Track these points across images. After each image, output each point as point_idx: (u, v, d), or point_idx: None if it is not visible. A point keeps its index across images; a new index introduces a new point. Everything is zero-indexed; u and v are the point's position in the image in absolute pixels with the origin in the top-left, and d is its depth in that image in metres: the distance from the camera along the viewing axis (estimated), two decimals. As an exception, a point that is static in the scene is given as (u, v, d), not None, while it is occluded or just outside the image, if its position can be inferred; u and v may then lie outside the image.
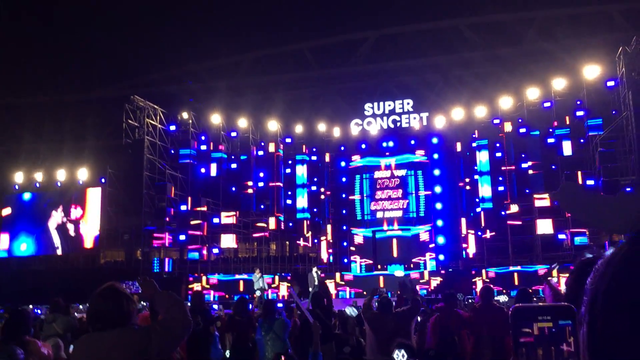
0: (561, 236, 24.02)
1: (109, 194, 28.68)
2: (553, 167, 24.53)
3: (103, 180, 29.18)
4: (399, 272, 23.74)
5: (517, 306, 0.90)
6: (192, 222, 27.22)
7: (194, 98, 32.29)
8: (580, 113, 24.10)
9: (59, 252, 29.57)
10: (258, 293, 20.00)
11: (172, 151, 29.23)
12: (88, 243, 28.88)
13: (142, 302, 9.24)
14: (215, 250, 28.01)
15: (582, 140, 24.07)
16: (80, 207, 29.26)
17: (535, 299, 14.18)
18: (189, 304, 9.33)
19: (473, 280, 23.02)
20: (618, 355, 0.55)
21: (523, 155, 25.04)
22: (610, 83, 23.44)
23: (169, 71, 36.54)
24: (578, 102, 24.34)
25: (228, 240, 27.03)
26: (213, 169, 28.62)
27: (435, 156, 27.02)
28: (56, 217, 29.61)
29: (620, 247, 0.63)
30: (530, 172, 24.38)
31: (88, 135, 33.40)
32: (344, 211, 27.99)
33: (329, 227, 28.21)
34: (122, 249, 28.75)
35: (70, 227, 29.26)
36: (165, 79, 36.14)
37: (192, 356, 8.63)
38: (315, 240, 28.45)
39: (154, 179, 27.70)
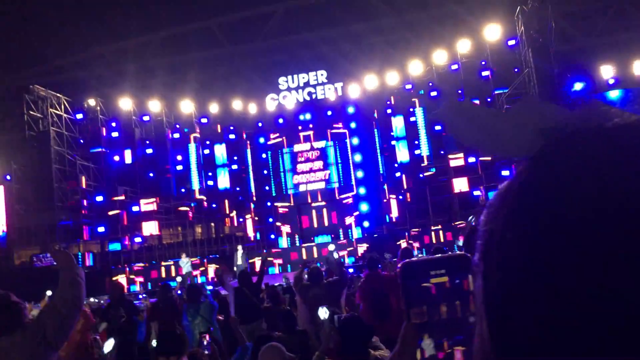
0: (476, 192, 25.04)
1: (16, 191, 27.05)
2: (464, 127, 25.38)
3: (8, 177, 27.46)
4: (331, 245, 23.97)
5: (406, 261, 0.79)
6: (110, 213, 26.24)
7: (100, 83, 30.79)
8: (485, 73, 25.01)
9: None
10: (179, 279, 19.64)
11: (82, 141, 27.88)
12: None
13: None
14: (138, 239, 27.18)
15: (489, 99, 25.02)
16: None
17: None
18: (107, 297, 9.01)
19: (397, 243, 23.64)
20: (517, 310, 0.45)
21: (436, 118, 25.74)
22: (511, 42, 24.43)
23: (72, 57, 34.53)
24: (483, 63, 25.23)
25: (150, 228, 26.29)
26: (128, 156, 27.59)
27: (353, 125, 27.30)
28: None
29: (515, 176, 0.50)
30: (443, 133, 25.14)
31: (-12, 130, 31.21)
32: (267, 187, 27.85)
33: (252, 204, 28.01)
34: (37, 247, 27.31)
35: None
36: (68, 65, 34.17)
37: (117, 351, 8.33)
38: (241, 219, 28.21)
39: (65, 171, 26.39)
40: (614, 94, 22.48)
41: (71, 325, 3.29)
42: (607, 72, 23.82)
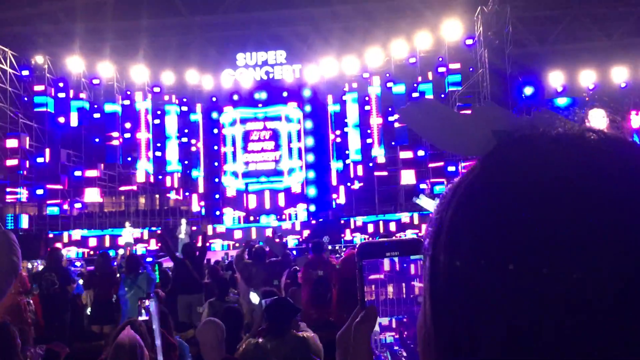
0: (422, 186, 25.52)
1: (-49, 146, 25.77)
2: (416, 120, 25.76)
3: (-57, 130, 26.12)
4: (269, 227, 24.01)
5: (364, 242, 0.86)
6: (51, 176, 25.37)
7: (47, 41, 29.51)
8: (441, 69, 25.40)
9: None
10: (121, 251, 19.29)
11: (26, 98, 26.76)
12: None
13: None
14: (78, 205, 26.45)
15: (442, 96, 25.45)
16: None
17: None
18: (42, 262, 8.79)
19: (342, 229, 23.91)
20: (457, 294, 0.51)
21: (390, 109, 26.04)
22: (469, 41, 24.90)
23: (21, 10, 32.94)
24: (440, 59, 25.62)
25: (92, 195, 25.60)
26: (74, 119, 26.68)
27: (308, 109, 27.30)
28: None
29: (468, 172, 0.56)
30: (396, 125, 25.46)
31: None
32: (216, 163, 27.58)
33: (200, 179, 27.67)
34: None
35: None
36: (14, 19, 32.58)
37: (47, 318, 8.18)
38: (187, 193, 27.85)
39: (6, 129, 25.32)
40: (562, 101, 23.31)
41: (5, 290, 3.22)
42: (556, 79, 24.65)
